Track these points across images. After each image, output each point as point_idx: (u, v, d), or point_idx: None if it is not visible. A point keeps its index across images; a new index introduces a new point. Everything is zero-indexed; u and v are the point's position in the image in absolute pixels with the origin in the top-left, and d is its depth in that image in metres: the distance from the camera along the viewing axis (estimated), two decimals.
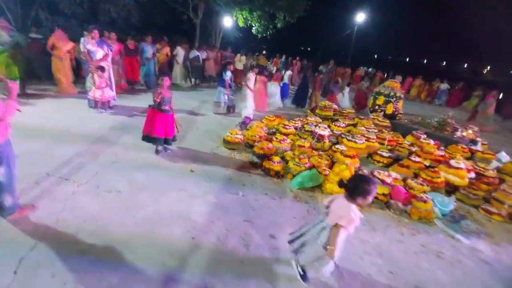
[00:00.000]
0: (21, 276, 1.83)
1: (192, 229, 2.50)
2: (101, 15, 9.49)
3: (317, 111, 7.58)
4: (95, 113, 5.43)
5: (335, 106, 8.10)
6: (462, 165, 4.19)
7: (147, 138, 3.82)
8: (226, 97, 6.73)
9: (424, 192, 3.63)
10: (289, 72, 9.57)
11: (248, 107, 6.25)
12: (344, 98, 10.07)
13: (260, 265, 2.21)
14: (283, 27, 14.93)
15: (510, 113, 11.21)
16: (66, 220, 2.39)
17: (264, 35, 14.82)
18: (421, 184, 3.76)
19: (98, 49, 5.70)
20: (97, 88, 5.41)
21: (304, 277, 2.07)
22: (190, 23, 13.50)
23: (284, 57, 14.03)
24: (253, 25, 14.46)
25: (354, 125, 6.62)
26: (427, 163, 4.66)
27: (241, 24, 14.27)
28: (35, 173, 3.02)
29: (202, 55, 9.75)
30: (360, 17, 22.19)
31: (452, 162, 4.25)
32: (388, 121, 7.22)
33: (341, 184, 1.94)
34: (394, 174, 3.87)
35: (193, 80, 9.88)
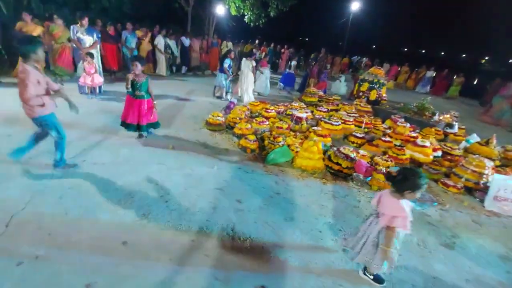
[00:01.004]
0: (11, 228, 2.14)
1: (166, 195, 2.81)
2: (92, 3, 9.57)
3: (302, 97, 7.85)
4: (86, 98, 5.68)
5: (320, 93, 8.37)
6: (427, 144, 4.50)
7: (123, 123, 3.92)
8: (224, 82, 7.23)
9: (388, 167, 3.96)
10: (294, 63, 9.95)
11: (249, 92, 7.24)
12: (341, 86, 10.31)
13: (224, 221, 2.53)
14: (279, 16, 14.96)
15: (489, 100, 11.43)
16: (53, 187, 2.69)
17: (257, 23, 14.85)
18: (385, 160, 4.07)
19: (87, 36, 5.90)
20: (87, 74, 5.64)
21: (378, 279, 2.06)
22: (184, 11, 13.53)
23: (272, 45, 14.10)
24: (246, 13, 14.47)
25: (337, 110, 6.89)
26: (398, 142, 4.98)
27: (233, 12, 14.26)
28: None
29: (187, 42, 9.73)
30: (355, 6, 22.14)
31: (418, 141, 4.55)
32: (369, 106, 7.49)
33: (388, 178, 1.89)
34: (362, 152, 4.18)
35: (174, 68, 9.88)
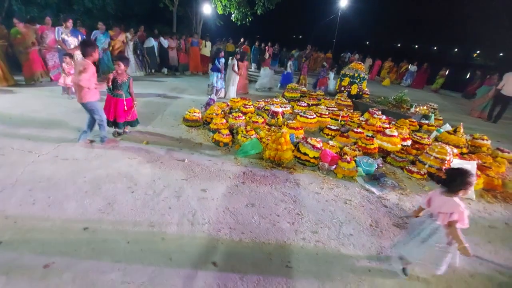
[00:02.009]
0: None
1: (133, 185, 2.94)
2: (75, 4, 9.61)
3: (285, 93, 8.02)
4: (67, 99, 5.77)
5: (303, 88, 8.56)
6: (395, 134, 4.68)
7: None
8: (218, 81, 7.51)
9: (355, 156, 4.14)
10: (290, 63, 10.17)
11: (233, 90, 7.50)
12: (330, 82, 10.51)
13: (186, 208, 2.67)
14: (270, 14, 15.09)
15: (471, 92, 11.70)
16: (23, 180, 2.82)
17: (244, 22, 14.96)
18: (353, 150, 4.26)
19: (72, 38, 6.01)
20: (66, 75, 5.73)
21: (406, 272, 2.19)
22: (171, 11, 13.59)
23: (256, 43, 14.21)
24: (232, 12, 14.58)
25: (318, 105, 7.06)
26: (370, 133, 5.16)
27: (220, 11, 14.36)
28: (1, 147, 3.42)
29: (165, 43, 9.67)
30: (343, 2, 22.35)
31: (387, 131, 4.73)
32: (350, 100, 7.67)
33: (439, 180, 1.98)
34: (331, 142, 4.34)
35: (153, 70, 9.75)
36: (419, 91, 12.89)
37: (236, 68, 7.41)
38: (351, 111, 7.02)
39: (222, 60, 7.48)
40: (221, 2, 14.07)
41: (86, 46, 3.40)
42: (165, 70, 10.08)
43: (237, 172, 3.53)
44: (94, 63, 3.53)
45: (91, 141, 3.86)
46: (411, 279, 2.17)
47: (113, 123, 4.04)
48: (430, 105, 7.98)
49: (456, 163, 3.75)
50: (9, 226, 2.21)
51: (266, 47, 13.73)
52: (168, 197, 2.83)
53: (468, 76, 13.60)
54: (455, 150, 4.50)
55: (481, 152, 5.08)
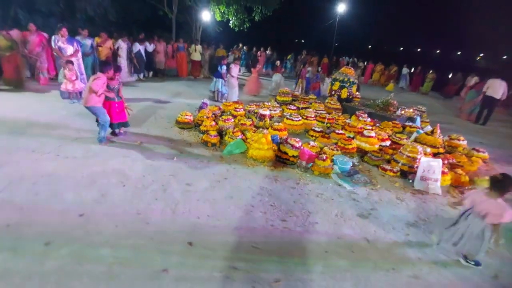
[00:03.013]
0: None
1: (125, 180, 3.30)
2: (78, 12, 10.11)
3: (277, 97, 8.38)
4: (68, 103, 6.17)
5: (296, 92, 8.93)
6: (372, 134, 5.00)
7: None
8: (221, 86, 7.99)
9: (333, 155, 4.46)
10: (309, 69, 10.60)
11: (234, 93, 7.93)
12: (326, 87, 10.85)
13: (170, 199, 3.02)
14: (268, 19, 15.58)
15: (451, 93, 12.05)
16: (28, 176, 3.18)
17: (241, 28, 15.43)
18: (332, 149, 4.58)
19: (68, 45, 6.43)
20: (68, 81, 6.14)
21: (478, 263, 2.52)
22: (169, 18, 14.10)
23: (245, 47, 14.57)
24: (230, 19, 15.05)
25: (308, 108, 7.42)
26: (352, 135, 5.49)
27: (218, 18, 14.85)
28: (9, 147, 3.81)
29: (150, 47, 9.73)
30: (341, 8, 22.81)
31: (365, 132, 5.06)
32: (339, 104, 8.01)
33: (495, 185, 2.34)
34: (312, 143, 4.67)
35: (141, 75, 9.78)
36: (412, 94, 13.20)
37: (232, 73, 7.86)
38: (339, 114, 7.35)
39: (224, 67, 7.93)
40: (219, 9, 14.58)
41: (103, 65, 4.17)
42: (150, 73, 10.09)
43: (221, 169, 3.88)
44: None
45: (113, 133, 4.56)
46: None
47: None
48: (418, 108, 8.29)
49: (424, 160, 4.05)
50: (15, 212, 2.57)
51: (259, 52, 14.09)
52: (155, 190, 3.18)
53: (450, 76, 13.88)
54: (429, 150, 4.81)
55: (457, 152, 5.38)
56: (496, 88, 8.53)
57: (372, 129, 5.57)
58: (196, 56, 11.11)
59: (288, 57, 14.80)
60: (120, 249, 2.27)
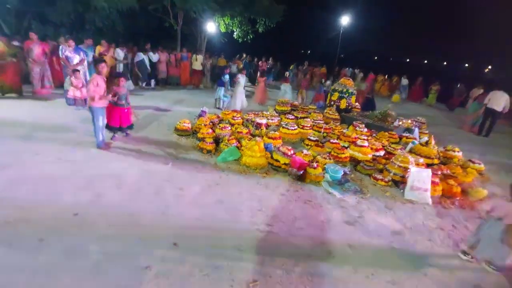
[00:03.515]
0: None
1: (121, 183, 3.45)
2: (87, 24, 10.62)
3: (276, 106, 8.55)
4: (73, 109, 6.43)
5: (295, 102, 9.10)
6: (365, 144, 5.09)
7: (107, 126, 4.71)
8: (222, 94, 8.30)
9: (325, 163, 4.55)
10: (328, 82, 10.88)
11: (236, 103, 8.11)
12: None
13: (162, 202, 3.14)
14: (273, 30, 16.02)
15: (455, 105, 12.09)
16: (31, 176, 3.37)
17: (245, 39, 15.82)
18: (324, 158, 4.68)
19: (74, 55, 6.78)
20: (75, 88, 6.42)
21: (497, 268, 2.69)
22: (176, 29, 14.58)
23: (247, 57, 14.87)
24: (234, 30, 15.48)
25: (306, 118, 7.56)
26: (346, 144, 5.58)
27: (222, 29, 15.28)
28: (16, 150, 4.02)
29: (154, 58, 9.94)
30: (345, 20, 23.25)
31: (358, 142, 5.15)
32: (337, 114, 8.13)
33: None
34: (305, 151, 4.78)
35: (144, 83, 9.94)
36: (415, 105, 13.23)
37: (239, 81, 8.20)
38: (337, 124, 7.46)
39: (227, 77, 8.33)
40: (224, 21, 15.03)
41: (95, 63, 4.19)
42: (153, 82, 10.24)
43: (214, 175, 4.00)
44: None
45: (126, 135, 5.00)
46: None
47: (118, 128, 4.82)
48: (418, 120, 8.34)
49: (414, 170, 4.11)
50: (15, 210, 2.73)
51: (260, 62, 14.38)
52: (149, 193, 3.31)
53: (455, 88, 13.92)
54: (421, 160, 4.86)
55: (452, 163, 5.42)
56: (498, 100, 8.55)
57: (366, 139, 5.65)
58: (197, 66, 11.33)
59: (290, 68, 15.07)
60: (110, 246, 2.39)
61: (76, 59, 6.65)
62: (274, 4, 15.24)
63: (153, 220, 2.83)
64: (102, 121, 4.33)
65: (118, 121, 4.75)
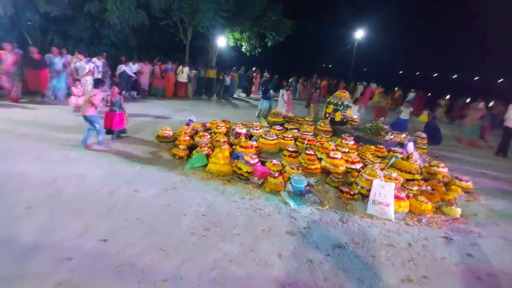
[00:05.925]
0: None
1: (82, 182, 3.72)
2: (103, 39, 11.60)
3: (268, 118, 8.66)
4: (74, 116, 6.97)
5: (290, 114, 9.16)
6: (338, 156, 5.03)
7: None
8: (268, 105, 9.57)
9: (291, 174, 4.55)
10: (283, 91, 11.17)
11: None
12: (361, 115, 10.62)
13: (112, 202, 3.33)
14: (282, 44, 16.49)
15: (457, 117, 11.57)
16: (4, 171, 3.72)
17: (253, 53, 16.29)
18: (293, 168, 4.68)
19: (84, 66, 7.45)
20: (76, 96, 7.00)
21: None
22: (183, 44, 15.40)
23: (242, 69, 15.12)
24: (243, 44, 16.01)
25: (298, 129, 7.61)
26: (323, 156, 5.53)
27: (231, 43, 15.88)
28: (6, 149, 4.48)
29: (133, 68, 10.02)
30: (359, 34, 23.18)
31: (331, 153, 5.09)
32: (329, 126, 8.07)
33: None
34: (274, 161, 4.81)
35: (126, 93, 9.77)
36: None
37: (285, 99, 9.78)
38: (327, 136, 7.39)
39: (272, 91, 9.65)
40: (233, 35, 15.63)
41: (96, 83, 5.25)
42: (134, 93, 10.41)
43: (175, 179, 4.16)
44: None
45: (118, 137, 5.58)
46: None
47: (108, 131, 5.42)
48: (419, 135, 8.05)
49: (375, 183, 3.99)
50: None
51: (254, 74, 14.62)
52: (103, 193, 3.53)
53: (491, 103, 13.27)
54: (395, 174, 4.69)
55: (435, 179, 5.17)
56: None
57: (345, 152, 5.57)
58: (182, 78, 11.55)
59: (290, 80, 15.25)
60: (45, 238, 2.60)
61: (85, 70, 7.35)
62: (283, 19, 15.65)
63: (94, 218, 3.01)
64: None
65: (108, 124, 5.39)
